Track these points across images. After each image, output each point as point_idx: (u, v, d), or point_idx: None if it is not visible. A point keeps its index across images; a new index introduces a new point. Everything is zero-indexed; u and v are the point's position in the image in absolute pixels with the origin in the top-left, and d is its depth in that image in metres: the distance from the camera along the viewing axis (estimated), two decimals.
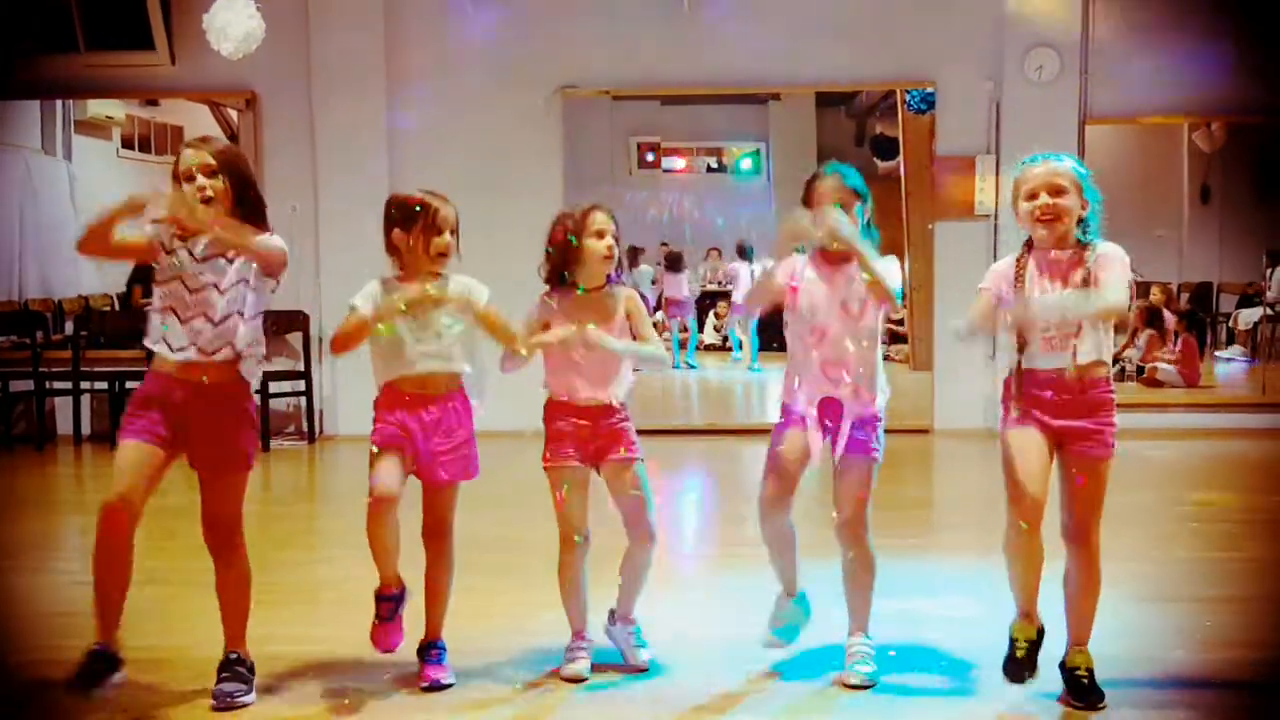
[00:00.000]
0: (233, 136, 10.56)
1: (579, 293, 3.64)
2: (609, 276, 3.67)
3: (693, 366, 12.93)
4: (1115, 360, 11.39)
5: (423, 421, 3.55)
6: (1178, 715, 3.33)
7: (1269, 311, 10.54)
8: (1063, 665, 3.45)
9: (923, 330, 10.21)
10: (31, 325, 9.03)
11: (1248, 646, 3.90)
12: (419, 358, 3.54)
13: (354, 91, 8.77)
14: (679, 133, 14.66)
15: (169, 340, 3.38)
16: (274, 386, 8.51)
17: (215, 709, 3.40)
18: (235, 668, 3.49)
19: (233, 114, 10.12)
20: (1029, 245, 3.44)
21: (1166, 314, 10.38)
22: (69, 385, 8.82)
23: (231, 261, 3.43)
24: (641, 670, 3.67)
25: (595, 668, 3.68)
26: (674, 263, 13.25)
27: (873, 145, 14.09)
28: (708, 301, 14.32)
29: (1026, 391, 3.40)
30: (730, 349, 13.66)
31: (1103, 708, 3.33)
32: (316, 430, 8.84)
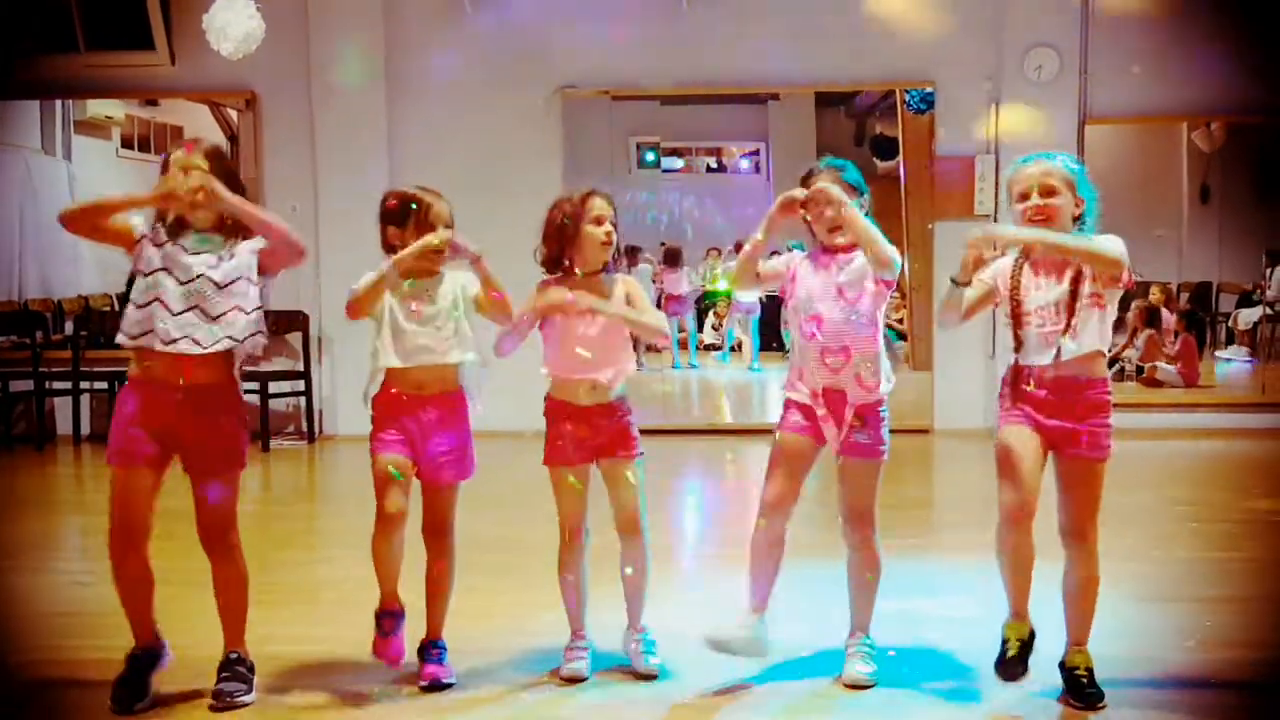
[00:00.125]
0: (233, 137, 10.56)
1: (577, 277, 3.63)
2: (607, 264, 3.65)
3: (693, 366, 12.93)
4: (1115, 360, 11.36)
5: (421, 423, 3.55)
6: (1178, 715, 3.33)
7: (1269, 311, 10.54)
8: (1062, 665, 3.46)
9: (923, 330, 10.21)
10: (31, 325, 9.03)
11: (1248, 646, 3.90)
12: (415, 350, 3.53)
13: (354, 91, 8.77)
14: (679, 133, 14.66)
15: (159, 332, 3.34)
16: (274, 386, 8.52)
17: (215, 709, 3.40)
18: (235, 667, 3.49)
19: (233, 114, 10.12)
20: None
21: (1166, 314, 10.38)
22: (69, 385, 8.82)
23: (231, 256, 3.43)
24: (649, 677, 3.65)
25: (595, 668, 3.68)
26: (673, 258, 13.22)
27: (872, 145, 14.08)
28: (707, 301, 14.31)
29: (1021, 389, 3.39)
30: (720, 347, 13.61)
31: (1102, 707, 3.33)
32: (316, 430, 8.85)
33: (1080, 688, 3.37)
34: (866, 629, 3.65)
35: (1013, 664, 3.44)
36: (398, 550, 3.58)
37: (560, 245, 3.62)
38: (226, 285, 3.41)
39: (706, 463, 8.18)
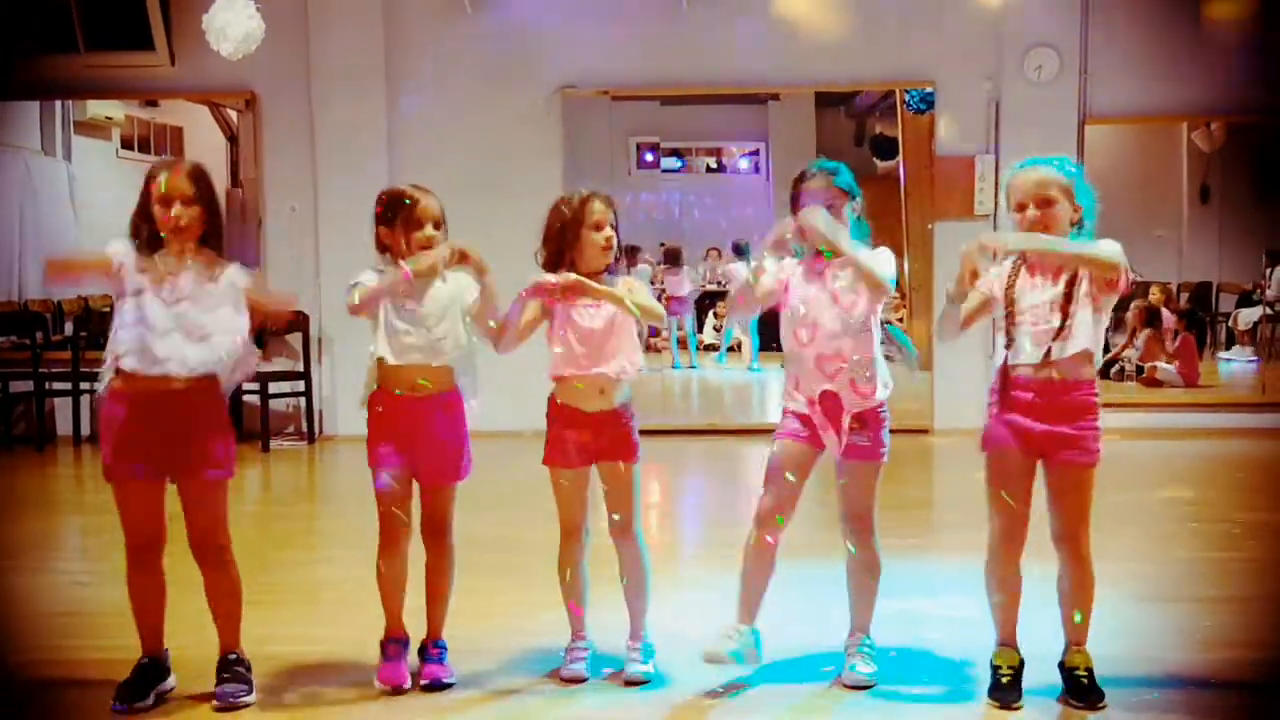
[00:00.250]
0: (233, 137, 10.57)
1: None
2: (608, 266, 3.62)
3: (693, 367, 12.94)
4: (1115, 360, 11.32)
5: (417, 423, 3.53)
6: (1178, 715, 3.33)
7: (1269, 311, 10.54)
8: (1062, 665, 3.45)
9: (923, 330, 10.20)
10: (31, 326, 9.03)
11: (1248, 646, 3.90)
12: (406, 349, 3.51)
13: (354, 91, 8.77)
14: (679, 133, 14.66)
15: (144, 354, 3.32)
16: (274, 386, 8.52)
17: (218, 709, 3.40)
18: (235, 668, 3.49)
19: (233, 114, 10.12)
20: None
21: (1166, 314, 10.38)
22: (69, 386, 8.82)
23: (215, 280, 3.41)
24: (640, 683, 3.63)
25: (596, 669, 3.68)
26: (673, 258, 13.24)
27: (872, 145, 14.08)
28: (707, 301, 14.31)
29: (1008, 393, 3.39)
30: (718, 347, 13.60)
31: (1103, 707, 3.33)
32: (316, 430, 8.85)
33: (1081, 688, 3.37)
34: (866, 629, 3.65)
35: (1007, 690, 3.41)
36: (401, 572, 3.60)
37: (559, 249, 3.60)
38: (211, 307, 3.39)
39: (706, 463, 8.18)
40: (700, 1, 8.76)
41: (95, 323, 9.81)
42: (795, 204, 3.59)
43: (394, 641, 3.64)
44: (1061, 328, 3.30)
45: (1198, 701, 3.42)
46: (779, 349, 3.79)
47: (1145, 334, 10.28)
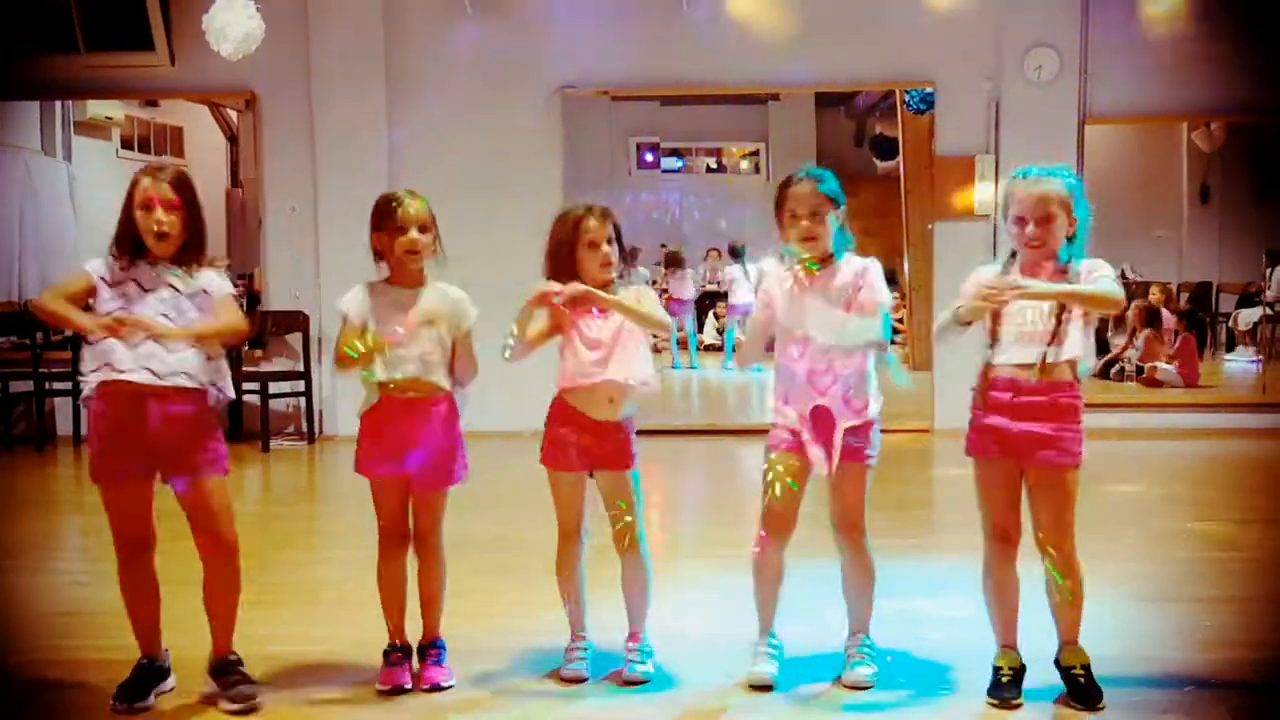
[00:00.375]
0: (233, 137, 10.57)
1: None
2: (610, 281, 3.58)
3: (693, 367, 12.95)
4: (1115, 360, 11.30)
5: (410, 428, 3.51)
6: (1178, 715, 3.33)
7: (1269, 311, 10.54)
8: (1059, 665, 3.45)
9: (922, 330, 10.20)
10: (31, 326, 9.02)
11: (1248, 646, 3.90)
12: (397, 362, 3.49)
13: (354, 91, 8.77)
14: (679, 133, 14.68)
15: (113, 363, 3.29)
16: (274, 387, 8.53)
17: (235, 712, 3.38)
18: (239, 669, 3.48)
19: (233, 114, 10.13)
20: (1013, 256, 3.44)
21: (1165, 314, 10.39)
22: (69, 386, 8.80)
23: (184, 293, 3.37)
24: (640, 683, 3.62)
25: (595, 669, 3.68)
26: (675, 261, 13.27)
27: (872, 145, 14.10)
28: (707, 302, 14.33)
29: (988, 393, 3.38)
30: (720, 348, 13.62)
31: (1102, 708, 3.33)
32: (316, 430, 8.85)
33: (1079, 687, 3.37)
34: (866, 629, 3.65)
35: (1007, 689, 3.41)
36: (402, 578, 3.60)
37: (559, 267, 3.57)
38: (187, 320, 3.35)
39: (706, 463, 8.18)
40: (700, 1, 8.77)
41: None
42: (780, 209, 3.56)
43: (396, 649, 3.63)
44: (1055, 334, 3.31)
45: (1198, 701, 3.42)
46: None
47: (1145, 334, 10.29)
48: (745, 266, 12.89)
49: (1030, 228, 3.34)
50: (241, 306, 9.43)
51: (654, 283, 13.41)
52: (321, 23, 8.75)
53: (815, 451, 3.49)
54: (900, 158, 11.80)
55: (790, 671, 3.66)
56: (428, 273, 3.59)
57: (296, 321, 8.70)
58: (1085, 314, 3.35)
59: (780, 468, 3.52)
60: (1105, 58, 8.70)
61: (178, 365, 3.33)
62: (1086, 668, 3.40)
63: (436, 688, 3.57)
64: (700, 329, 13.90)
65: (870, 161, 14.13)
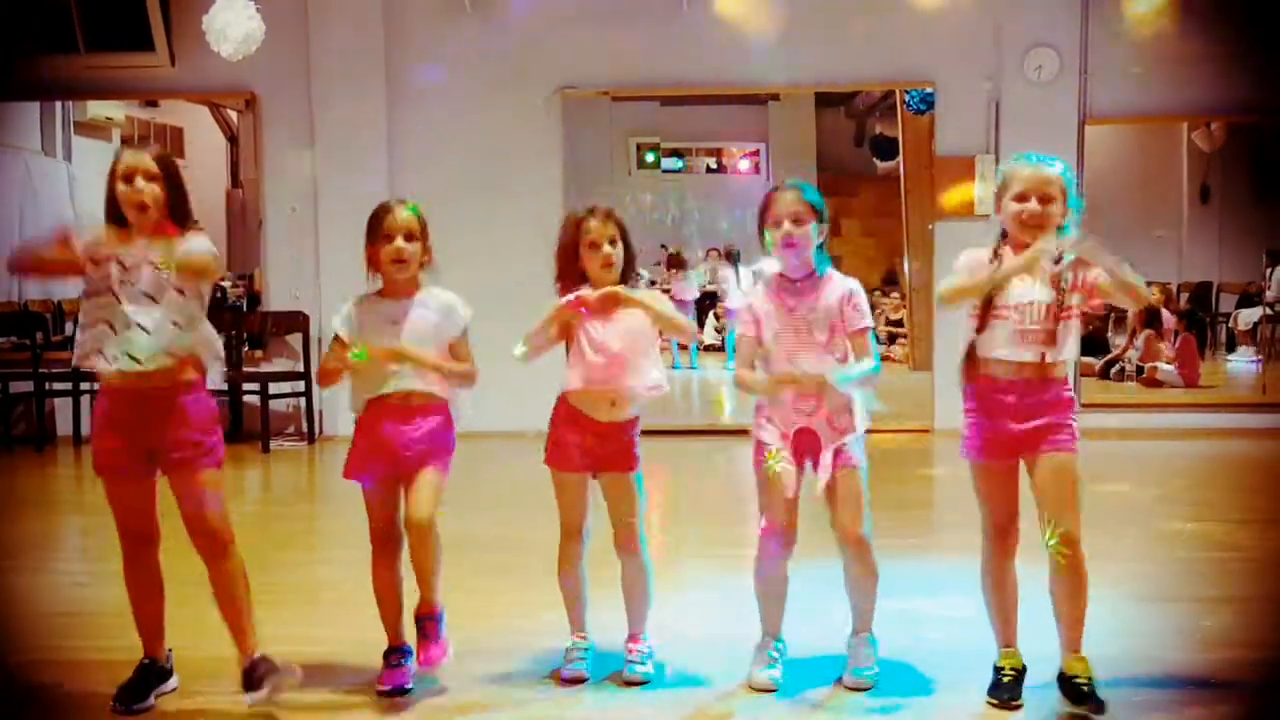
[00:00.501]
0: (233, 137, 10.57)
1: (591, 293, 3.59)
2: (615, 282, 3.57)
3: (694, 367, 12.96)
4: (1115, 361, 11.29)
5: (406, 432, 3.50)
6: (1178, 715, 3.33)
7: (1269, 311, 10.54)
8: (1061, 674, 3.39)
9: (923, 330, 10.21)
10: (31, 326, 9.04)
11: (1248, 646, 3.90)
12: (391, 376, 3.48)
13: (354, 91, 8.78)
14: (679, 133, 14.66)
15: (104, 353, 3.31)
16: (274, 387, 8.53)
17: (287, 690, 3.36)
18: (265, 663, 3.40)
19: (233, 114, 10.13)
20: (1004, 238, 3.43)
21: (1166, 314, 10.39)
22: (69, 386, 8.82)
23: (161, 270, 3.34)
24: (640, 683, 3.62)
25: (596, 669, 3.68)
26: (679, 263, 13.31)
27: (872, 145, 14.10)
28: (707, 302, 14.33)
29: (985, 398, 3.37)
30: (721, 348, 13.63)
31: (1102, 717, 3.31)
32: (316, 430, 8.85)
33: (1081, 696, 3.30)
34: (869, 628, 3.65)
35: (1007, 689, 3.40)
36: (396, 580, 3.58)
37: (565, 270, 3.58)
38: (161, 300, 3.33)
39: (706, 463, 8.18)
40: (700, 1, 8.77)
41: None
42: (764, 216, 3.55)
43: (395, 651, 3.63)
44: (1055, 332, 3.30)
45: (1198, 701, 3.42)
46: None
47: (1145, 334, 10.28)
48: (739, 270, 12.96)
49: (1033, 203, 3.33)
50: (241, 307, 9.52)
51: (655, 283, 13.43)
52: (321, 23, 8.76)
53: (789, 473, 3.47)
54: (900, 158, 11.81)
55: (791, 672, 3.66)
56: (421, 280, 3.57)
57: (296, 322, 8.71)
58: (1081, 314, 3.35)
59: (774, 476, 3.51)
60: (1105, 58, 8.70)
61: (157, 345, 3.30)
62: (1090, 678, 3.31)
63: (431, 665, 3.55)
64: (701, 329, 13.89)
65: (870, 161, 14.13)
